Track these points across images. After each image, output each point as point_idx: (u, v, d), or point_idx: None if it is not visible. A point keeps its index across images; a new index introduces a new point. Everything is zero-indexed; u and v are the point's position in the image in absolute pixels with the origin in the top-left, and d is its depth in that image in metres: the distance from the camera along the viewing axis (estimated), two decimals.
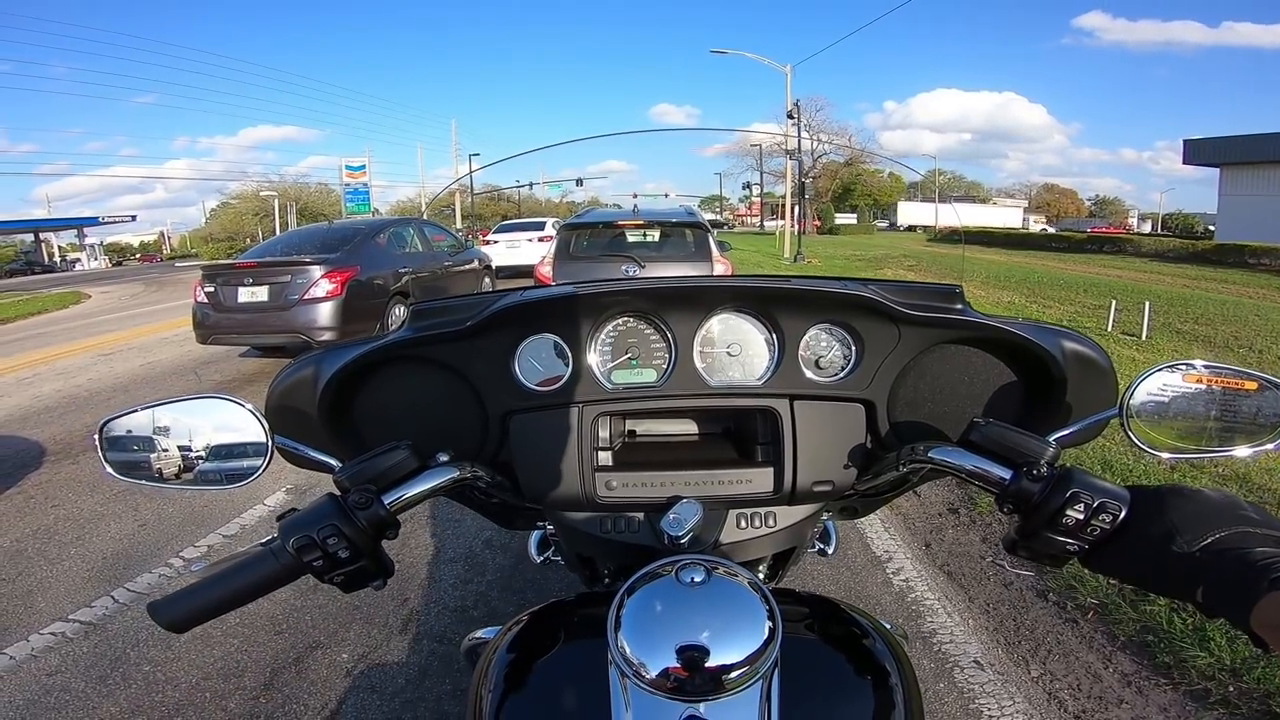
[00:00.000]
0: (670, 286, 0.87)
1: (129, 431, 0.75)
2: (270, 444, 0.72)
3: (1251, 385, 0.71)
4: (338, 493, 0.65)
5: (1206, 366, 0.72)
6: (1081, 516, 0.60)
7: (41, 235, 45.74)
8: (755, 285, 0.86)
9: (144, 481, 0.75)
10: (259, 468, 0.73)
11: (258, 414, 0.72)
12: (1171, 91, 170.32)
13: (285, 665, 2.17)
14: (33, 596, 2.69)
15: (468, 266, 9.33)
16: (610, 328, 0.88)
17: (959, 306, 0.85)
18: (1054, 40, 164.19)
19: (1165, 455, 0.73)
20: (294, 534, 0.61)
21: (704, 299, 0.87)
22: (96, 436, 0.74)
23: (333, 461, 0.72)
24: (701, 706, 0.53)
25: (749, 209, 74.21)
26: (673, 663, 0.53)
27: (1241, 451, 0.73)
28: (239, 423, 0.73)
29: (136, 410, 0.74)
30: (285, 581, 0.63)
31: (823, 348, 0.87)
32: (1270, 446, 0.72)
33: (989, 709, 1.92)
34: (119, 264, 46.35)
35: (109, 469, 0.74)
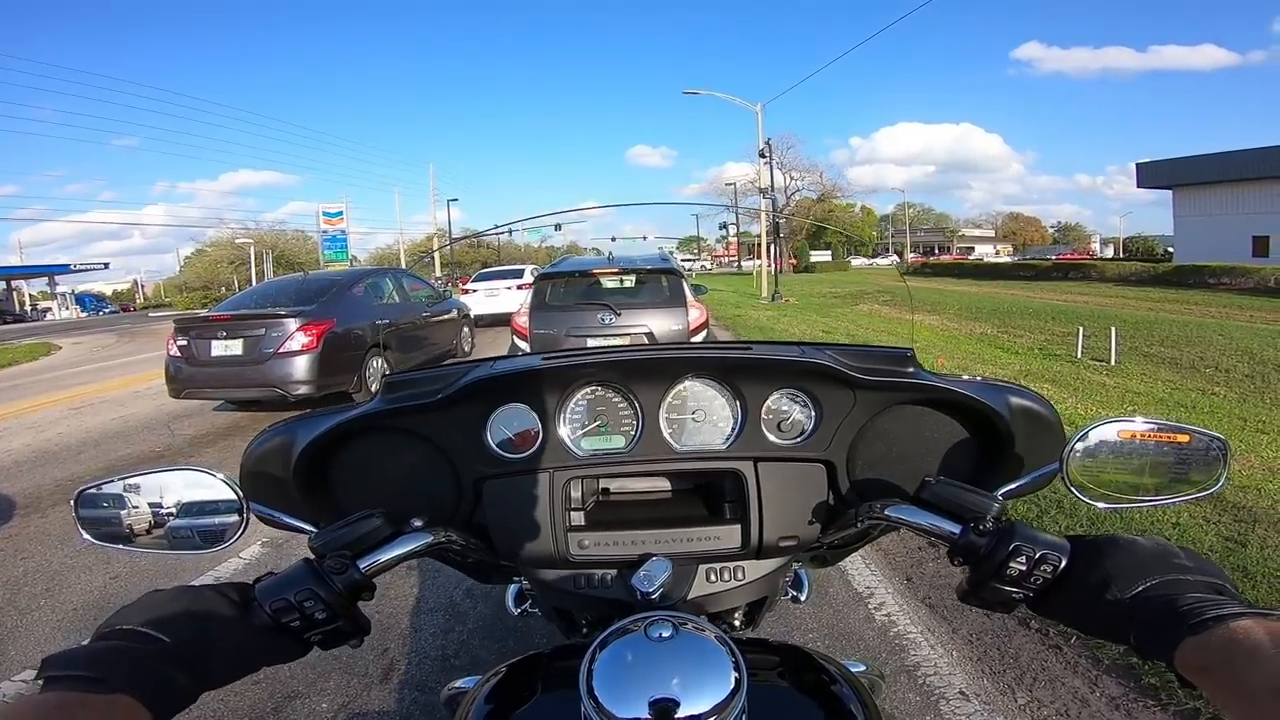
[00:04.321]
0: (635, 358, 0.92)
1: (116, 498, 0.76)
2: (245, 512, 0.74)
3: (1184, 438, 0.75)
4: (313, 557, 0.67)
5: (1143, 422, 0.76)
6: (1024, 568, 0.63)
7: (13, 283, 45.04)
8: (717, 355, 0.91)
9: (121, 545, 0.76)
10: (235, 534, 0.75)
11: (232, 483, 0.74)
12: (1115, 115, 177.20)
13: (264, 714, 2.13)
14: (3, 644, 2.67)
15: (446, 317, 9.31)
16: (579, 396, 0.92)
17: (910, 369, 0.89)
18: (999, 71, 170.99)
19: (1101, 505, 0.76)
20: (272, 597, 0.63)
21: (668, 368, 0.91)
22: (73, 503, 0.75)
23: (308, 527, 0.75)
24: None
25: (726, 249, 75.13)
26: (645, 717, 0.54)
27: (1175, 500, 0.78)
28: (215, 492, 0.75)
29: (113, 481, 0.76)
30: None
31: (784, 412, 0.91)
32: (1201, 495, 0.77)
33: None
34: (97, 312, 45.53)
35: (86, 535, 0.75)
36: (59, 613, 2.92)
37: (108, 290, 62.06)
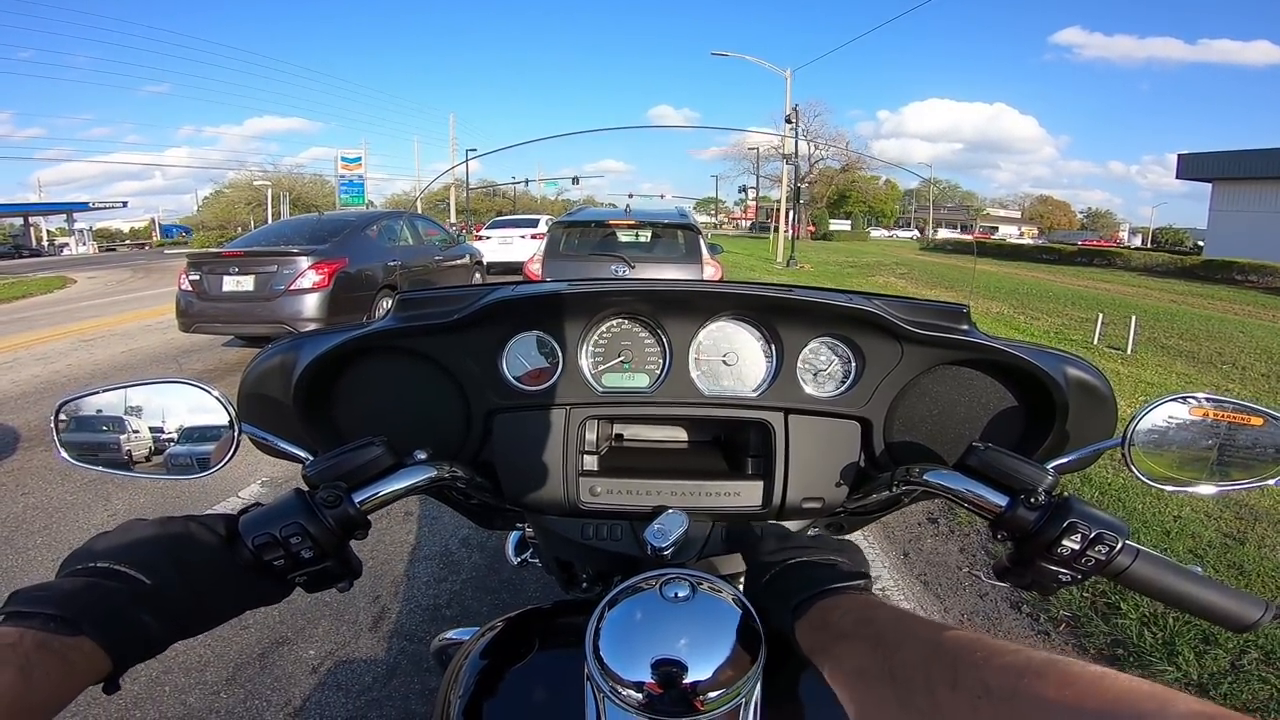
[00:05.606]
0: (670, 290, 0.85)
1: (99, 411, 0.71)
2: (236, 433, 0.68)
3: (1257, 420, 0.69)
4: (305, 488, 0.62)
5: (1211, 400, 0.70)
6: (1078, 547, 0.59)
7: (31, 219, 45.24)
8: (757, 294, 0.83)
9: (99, 467, 0.71)
10: (223, 458, 0.69)
11: (224, 400, 0.68)
12: (1156, 106, 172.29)
13: (249, 660, 2.15)
14: None
15: (458, 262, 9.30)
16: (604, 329, 0.86)
17: (965, 327, 0.82)
18: (1038, 56, 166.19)
19: (1169, 488, 0.71)
20: (254, 531, 0.58)
21: (703, 304, 0.85)
22: (52, 418, 0.70)
23: (304, 454, 0.69)
24: None
25: (744, 212, 74.32)
26: (653, 681, 0.51)
27: (1235, 487, 0.72)
28: (204, 410, 0.69)
29: (96, 392, 0.71)
30: None
31: (822, 362, 0.85)
32: (1271, 481, 0.71)
33: None
34: (110, 249, 45.69)
35: (63, 453, 0.70)
36: (55, 550, 2.93)
37: (125, 228, 62.10)
